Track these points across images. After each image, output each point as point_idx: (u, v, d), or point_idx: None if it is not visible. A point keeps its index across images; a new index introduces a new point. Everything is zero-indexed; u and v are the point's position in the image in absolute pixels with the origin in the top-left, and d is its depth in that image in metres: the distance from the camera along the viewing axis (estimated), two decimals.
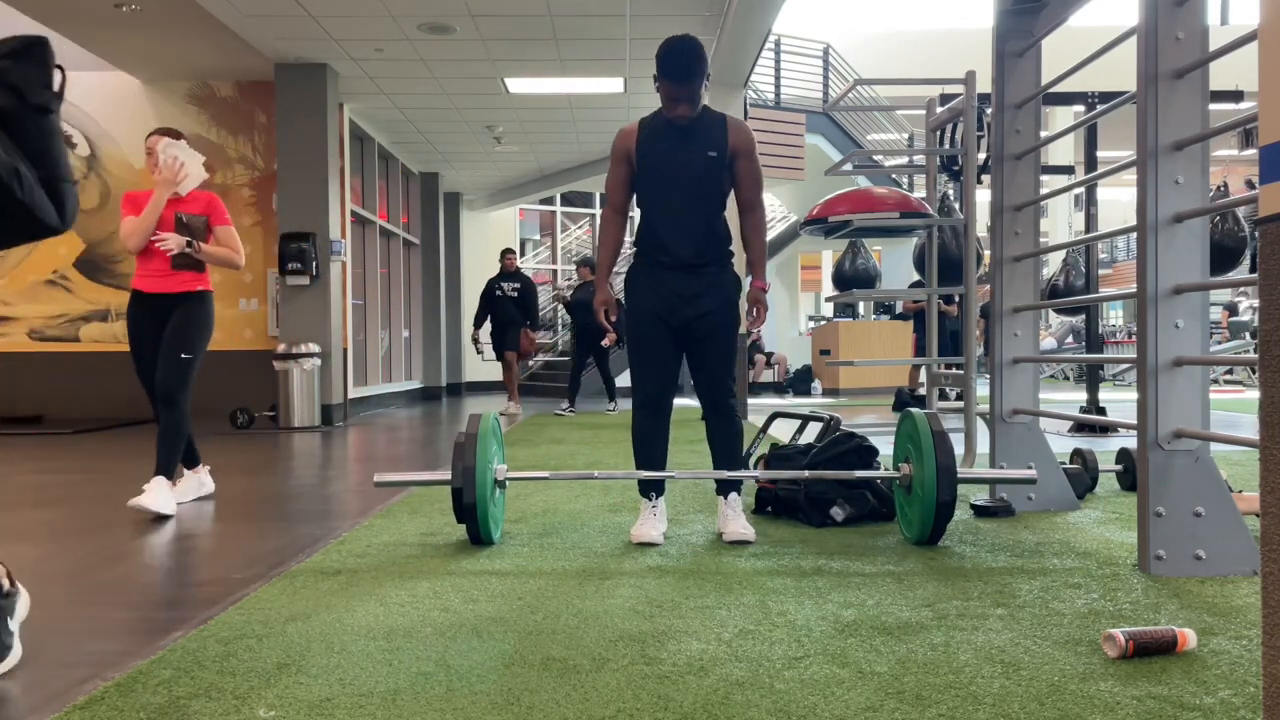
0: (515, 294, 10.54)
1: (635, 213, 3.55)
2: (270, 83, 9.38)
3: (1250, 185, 9.73)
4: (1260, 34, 1.23)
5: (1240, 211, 6.86)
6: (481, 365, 16.46)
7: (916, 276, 9.73)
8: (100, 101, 9.81)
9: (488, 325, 10.65)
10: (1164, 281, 2.82)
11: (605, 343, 10.11)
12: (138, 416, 8.86)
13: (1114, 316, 24.14)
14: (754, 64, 9.09)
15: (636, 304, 3.44)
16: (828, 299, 5.80)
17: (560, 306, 10.99)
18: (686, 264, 3.37)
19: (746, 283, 3.58)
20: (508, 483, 3.51)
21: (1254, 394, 12.54)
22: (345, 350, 9.71)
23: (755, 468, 4.15)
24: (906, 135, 15.82)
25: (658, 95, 3.34)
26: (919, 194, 7.00)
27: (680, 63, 3.22)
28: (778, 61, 14.64)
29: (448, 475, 3.25)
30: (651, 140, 3.38)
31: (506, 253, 10.86)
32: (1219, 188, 7.81)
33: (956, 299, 8.85)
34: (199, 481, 4.50)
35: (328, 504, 4.47)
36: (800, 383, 14.91)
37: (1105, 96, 6.79)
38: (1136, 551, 2.96)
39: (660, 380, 3.45)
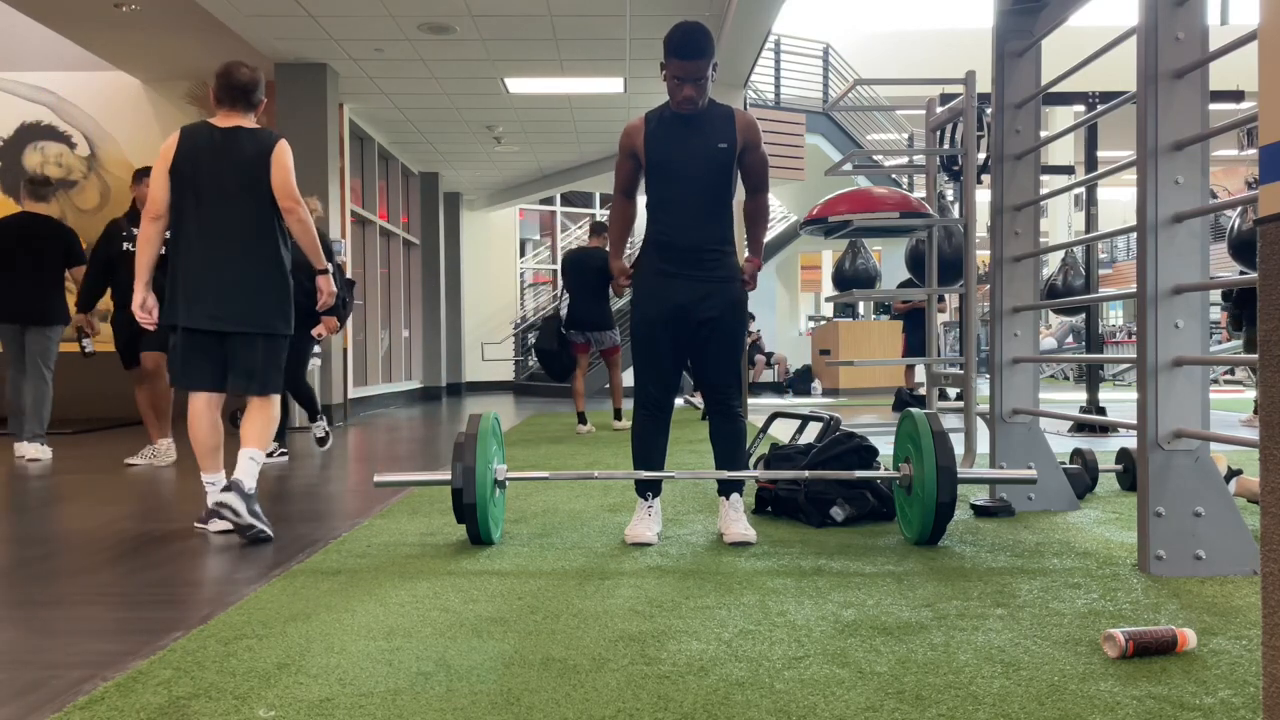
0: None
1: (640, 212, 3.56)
2: (270, 83, 9.37)
3: (1250, 185, 9.71)
4: (1260, 34, 1.23)
5: None
6: (481, 365, 16.47)
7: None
8: (100, 101, 9.81)
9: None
10: (1164, 281, 2.82)
11: (317, 332, 6.00)
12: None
13: (1114, 316, 24.15)
14: (754, 64, 9.09)
15: (642, 305, 3.43)
16: (828, 299, 5.79)
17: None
18: (695, 259, 3.36)
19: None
20: (508, 483, 3.51)
21: (1254, 394, 12.53)
22: (345, 350, 9.70)
23: (755, 468, 4.15)
24: (906, 135, 15.82)
25: (660, 93, 3.34)
26: (919, 194, 6.99)
27: (689, 40, 3.20)
28: (778, 61, 14.64)
29: (448, 475, 3.25)
30: (660, 134, 3.36)
31: (140, 174, 6.03)
32: (1249, 184, 7.76)
33: (945, 299, 8.83)
34: None
35: (327, 504, 4.47)
36: (800, 383, 14.92)
37: (1105, 96, 6.79)
38: (1136, 551, 2.95)
39: (663, 382, 3.45)
